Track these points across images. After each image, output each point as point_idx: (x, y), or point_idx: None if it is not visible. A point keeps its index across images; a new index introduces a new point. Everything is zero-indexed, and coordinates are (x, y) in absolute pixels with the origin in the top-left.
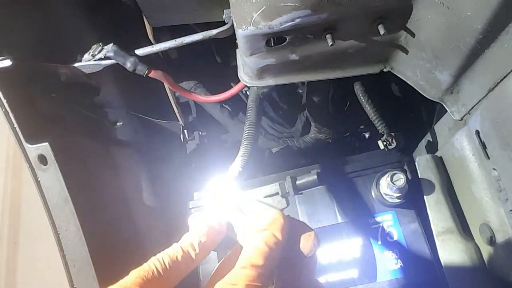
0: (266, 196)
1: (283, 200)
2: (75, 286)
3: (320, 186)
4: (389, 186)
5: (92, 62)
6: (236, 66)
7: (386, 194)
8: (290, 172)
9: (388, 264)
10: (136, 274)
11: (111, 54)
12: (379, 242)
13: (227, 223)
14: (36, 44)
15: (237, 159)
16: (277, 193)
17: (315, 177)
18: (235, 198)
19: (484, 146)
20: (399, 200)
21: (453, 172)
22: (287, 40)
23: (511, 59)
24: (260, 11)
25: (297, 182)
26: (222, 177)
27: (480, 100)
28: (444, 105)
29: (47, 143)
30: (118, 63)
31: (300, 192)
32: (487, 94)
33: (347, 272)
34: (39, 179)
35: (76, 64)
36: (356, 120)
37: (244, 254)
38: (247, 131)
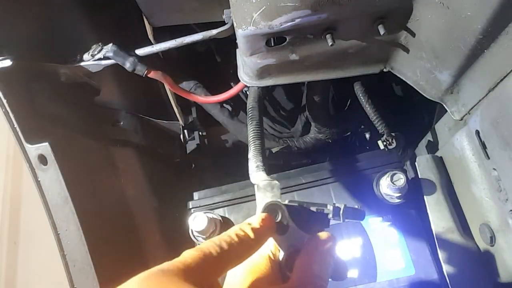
0: (316, 211)
1: (326, 220)
2: (75, 286)
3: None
4: (389, 186)
5: (92, 62)
6: (236, 66)
7: (386, 194)
8: (290, 172)
9: (388, 264)
10: (194, 253)
11: (110, 54)
12: (379, 242)
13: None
14: (36, 44)
15: (254, 163)
16: (327, 213)
17: (363, 211)
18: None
19: (484, 146)
20: (399, 200)
21: (453, 172)
22: (287, 40)
23: (511, 59)
24: (260, 11)
25: (349, 214)
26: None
27: (480, 100)
28: (444, 105)
29: (47, 143)
30: (118, 63)
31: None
32: (487, 94)
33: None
34: (39, 179)
35: (76, 64)
36: (356, 120)
37: (305, 274)
38: (253, 131)
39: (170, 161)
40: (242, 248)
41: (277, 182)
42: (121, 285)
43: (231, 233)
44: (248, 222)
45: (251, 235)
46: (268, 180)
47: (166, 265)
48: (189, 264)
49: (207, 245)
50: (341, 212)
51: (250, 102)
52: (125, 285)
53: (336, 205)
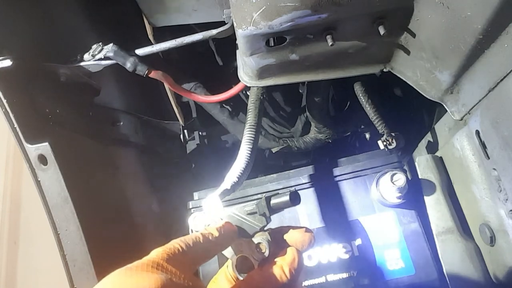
0: (248, 214)
1: (262, 218)
2: (75, 286)
3: (296, 206)
4: (389, 186)
5: (92, 62)
6: (236, 66)
7: (386, 194)
8: (290, 172)
9: (388, 264)
10: (160, 250)
11: (111, 54)
12: (379, 242)
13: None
14: (36, 44)
15: (234, 168)
16: (255, 212)
17: (287, 198)
18: (219, 216)
19: (484, 146)
20: (399, 200)
21: (453, 172)
22: (287, 40)
23: (511, 59)
24: (260, 11)
25: (271, 203)
26: (213, 195)
27: (480, 100)
28: (444, 105)
29: (47, 143)
30: (118, 63)
31: (276, 212)
32: (487, 94)
33: (347, 272)
34: (39, 179)
35: (76, 64)
36: (356, 120)
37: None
38: (246, 135)
39: (170, 161)
40: (206, 245)
41: (215, 194)
42: (96, 285)
43: (197, 233)
44: (213, 226)
45: (215, 234)
46: (213, 197)
47: (134, 262)
48: (155, 259)
49: (173, 243)
50: (262, 206)
51: (249, 104)
52: (101, 283)
53: (259, 199)
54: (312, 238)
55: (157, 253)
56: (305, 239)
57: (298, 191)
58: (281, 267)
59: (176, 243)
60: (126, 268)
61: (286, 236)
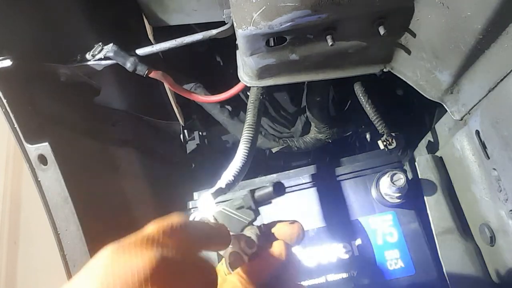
0: (237, 209)
1: (250, 212)
2: None
3: (281, 196)
4: (389, 186)
5: (92, 62)
6: (236, 66)
7: (386, 194)
8: (290, 172)
9: (388, 264)
10: (158, 224)
11: (111, 54)
12: (379, 242)
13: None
14: (36, 44)
15: (230, 167)
16: (243, 206)
17: (271, 189)
18: (211, 213)
19: (484, 146)
20: (399, 200)
21: (453, 172)
22: (287, 40)
23: (511, 59)
24: (260, 11)
25: (255, 195)
26: (206, 194)
27: (480, 100)
28: (444, 105)
29: (47, 143)
30: (118, 63)
31: (262, 204)
32: (487, 94)
33: (347, 272)
34: (39, 179)
35: (76, 64)
36: (356, 120)
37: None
38: (244, 135)
39: (170, 161)
40: (205, 231)
41: (209, 193)
42: (92, 259)
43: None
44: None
45: (212, 225)
46: (205, 196)
47: (128, 238)
48: (150, 234)
49: (171, 216)
50: (249, 197)
51: (249, 104)
52: (91, 267)
53: (244, 194)
54: (299, 230)
55: (153, 227)
56: (293, 231)
57: (298, 191)
58: (267, 261)
59: (175, 217)
60: (119, 246)
61: (274, 230)
